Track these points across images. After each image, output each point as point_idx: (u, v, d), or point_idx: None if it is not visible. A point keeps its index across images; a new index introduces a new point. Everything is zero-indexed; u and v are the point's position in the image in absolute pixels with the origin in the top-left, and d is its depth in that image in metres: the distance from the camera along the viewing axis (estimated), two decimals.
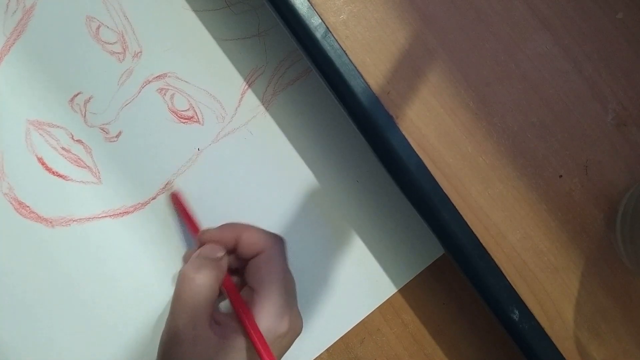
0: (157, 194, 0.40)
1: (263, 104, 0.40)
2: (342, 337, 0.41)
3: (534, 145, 0.33)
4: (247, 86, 0.40)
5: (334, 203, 0.41)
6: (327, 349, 0.41)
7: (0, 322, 0.39)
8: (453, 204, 0.33)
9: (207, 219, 0.39)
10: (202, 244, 0.36)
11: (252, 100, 0.40)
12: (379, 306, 0.41)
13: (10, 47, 0.38)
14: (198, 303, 0.33)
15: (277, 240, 0.36)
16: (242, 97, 0.40)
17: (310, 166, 0.41)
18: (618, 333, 0.34)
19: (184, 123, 0.40)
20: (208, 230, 0.36)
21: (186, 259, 0.38)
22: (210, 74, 0.40)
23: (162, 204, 0.40)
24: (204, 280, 0.33)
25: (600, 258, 0.34)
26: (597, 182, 0.34)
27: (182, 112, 0.40)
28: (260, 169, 0.40)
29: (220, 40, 0.40)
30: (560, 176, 0.34)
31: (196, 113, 0.40)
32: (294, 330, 0.34)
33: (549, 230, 0.34)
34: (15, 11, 0.38)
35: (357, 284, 0.41)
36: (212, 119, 0.40)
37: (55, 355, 0.39)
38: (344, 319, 0.41)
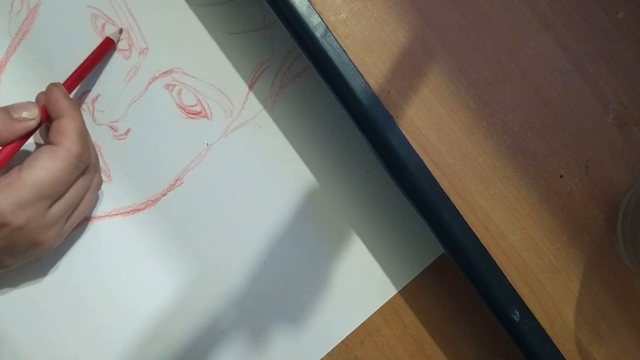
0: (168, 191, 0.40)
1: (271, 97, 0.40)
2: None
3: (534, 145, 0.33)
4: (254, 79, 0.40)
5: (334, 203, 0.41)
6: None
7: (14, 322, 0.39)
8: (453, 204, 0.33)
9: (217, 214, 0.40)
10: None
11: (259, 93, 0.40)
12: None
13: (16, 47, 0.38)
14: None
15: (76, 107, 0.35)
16: (249, 91, 0.40)
17: (311, 165, 0.41)
18: (619, 333, 0.34)
19: (192, 118, 0.40)
20: (58, 87, 0.34)
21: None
22: (217, 69, 0.40)
23: (173, 201, 0.40)
24: None
25: (601, 258, 0.34)
26: (598, 182, 0.33)
27: (190, 108, 0.40)
28: (267, 163, 0.40)
29: (225, 34, 0.40)
30: (561, 176, 0.33)
31: (204, 108, 0.40)
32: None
33: (549, 231, 0.33)
34: (19, 11, 0.38)
35: (357, 285, 0.41)
36: (221, 114, 0.40)
37: (66, 351, 0.39)
38: (344, 322, 0.41)
